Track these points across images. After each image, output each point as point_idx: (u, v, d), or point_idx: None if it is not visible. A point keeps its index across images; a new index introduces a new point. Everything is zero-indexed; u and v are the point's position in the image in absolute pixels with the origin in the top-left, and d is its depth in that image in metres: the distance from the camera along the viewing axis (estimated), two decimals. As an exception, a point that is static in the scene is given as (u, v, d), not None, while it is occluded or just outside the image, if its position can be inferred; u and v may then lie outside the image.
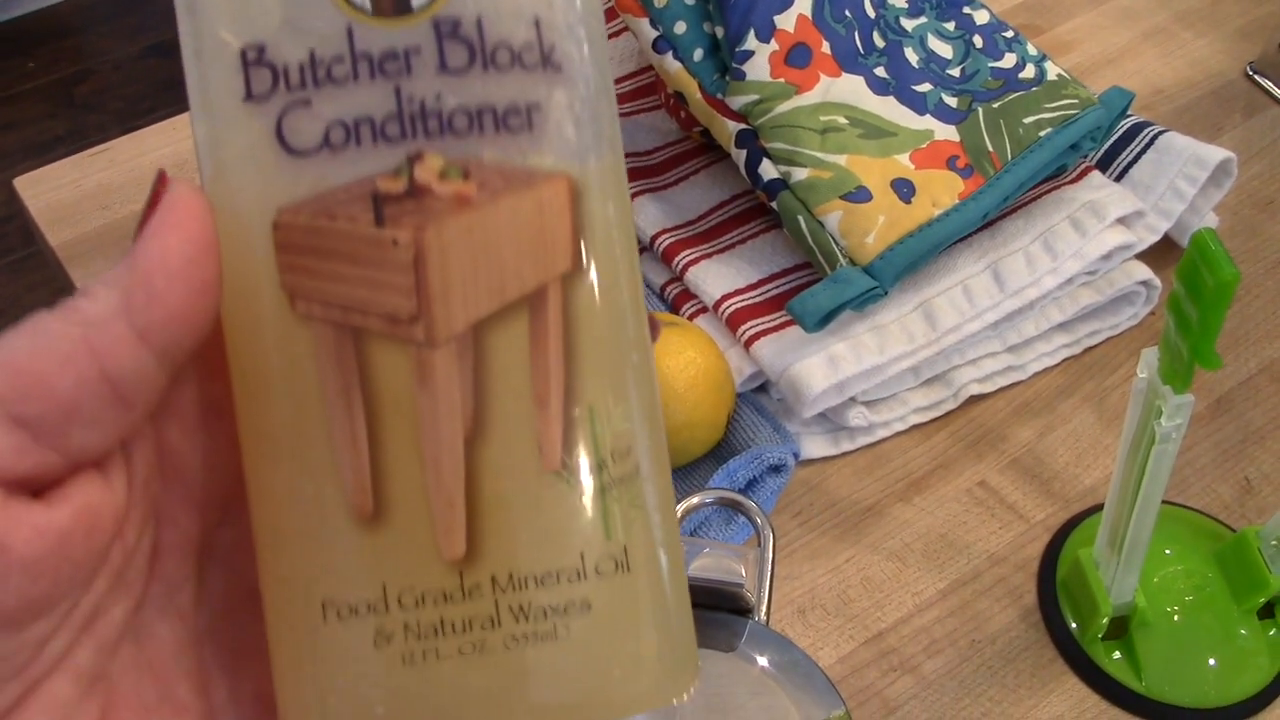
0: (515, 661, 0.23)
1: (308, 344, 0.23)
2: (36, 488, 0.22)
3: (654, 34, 0.61)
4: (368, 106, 0.23)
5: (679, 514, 0.48)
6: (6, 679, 0.22)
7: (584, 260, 0.24)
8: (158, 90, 1.98)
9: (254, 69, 0.23)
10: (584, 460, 0.23)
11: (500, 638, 0.22)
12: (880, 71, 0.61)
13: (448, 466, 0.23)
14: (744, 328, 0.59)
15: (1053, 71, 0.63)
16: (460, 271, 0.23)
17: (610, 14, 0.72)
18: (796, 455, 0.57)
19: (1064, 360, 0.64)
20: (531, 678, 0.23)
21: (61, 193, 0.70)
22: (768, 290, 0.60)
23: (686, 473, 0.58)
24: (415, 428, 0.23)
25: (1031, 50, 0.64)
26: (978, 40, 0.64)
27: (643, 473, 0.24)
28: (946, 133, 0.60)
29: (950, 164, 0.59)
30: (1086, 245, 0.61)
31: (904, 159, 0.58)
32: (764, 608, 0.46)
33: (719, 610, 0.46)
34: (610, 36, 0.72)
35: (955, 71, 0.62)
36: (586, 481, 0.23)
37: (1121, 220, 0.62)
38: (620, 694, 0.23)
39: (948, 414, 0.62)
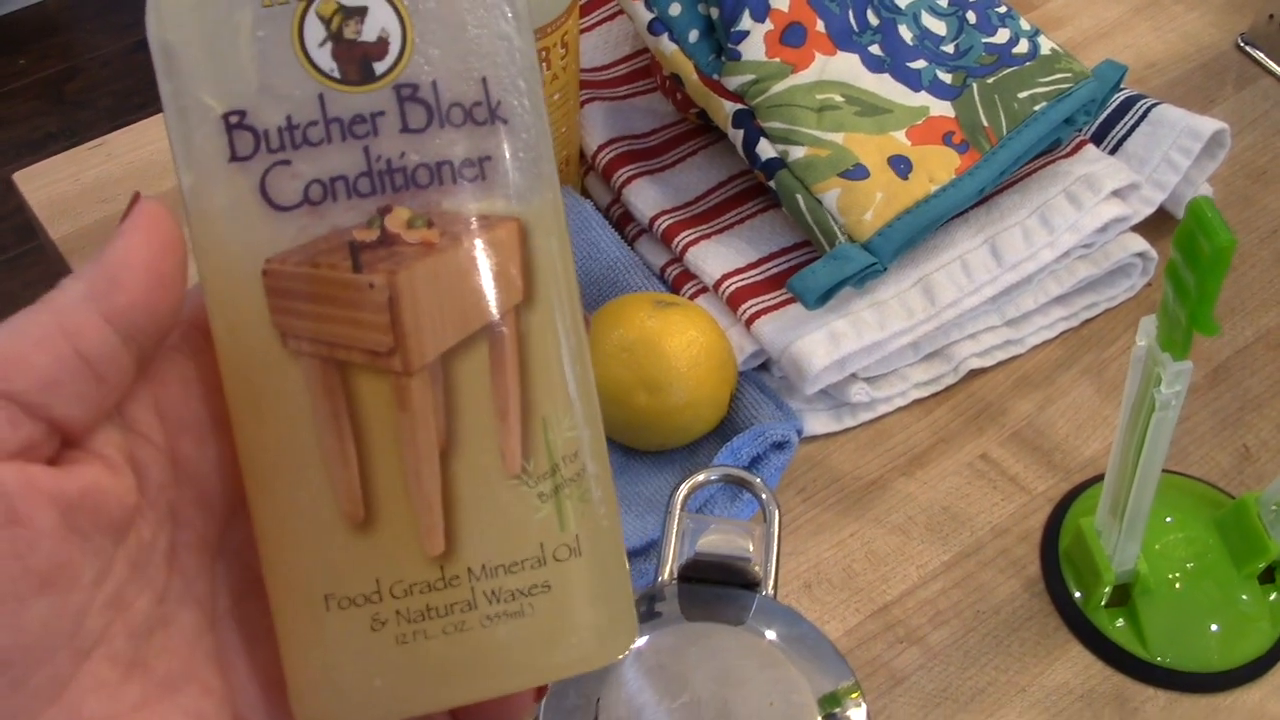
0: (490, 637, 0.27)
1: (299, 377, 0.26)
2: (39, 460, 0.24)
3: (649, 16, 0.61)
4: (341, 165, 0.26)
5: (686, 491, 0.49)
6: (56, 647, 0.24)
7: (533, 291, 0.27)
8: (148, 86, 1.97)
9: (236, 132, 0.26)
10: (540, 465, 0.27)
11: (477, 618, 0.26)
12: (875, 49, 0.61)
13: (426, 476, 0.26)
14: (744, 306, 0.59)
15: (1046, 46, 0.63)
16: (429, 309, 0.26)
17: (605, -3, 0.73)
18: (800, 432, 0.58)
19: (1062, 333, 0.65)
20: (503, 649, 0.27)
21: (61, 186, 0.70)
22: (767, 269, 0.61)
23: (691, 451, 0.59)
24: (396, 444, 0.26)
25: (1024, 25, 0.64)
26: (971, 16, 0.64)
27: (588, 471, 0.28)
28: (942, 109, 0.60)
29: (946, 140, 0.59)
30: (1082, 218, 0.61)
31: (900, 136, 0.59)
32: (771, 582, 0.47)
33: (727, 585, 0.46)
34: (605, 20, 0.73)
35: (949, 48, 0.63)
36: (543, 483, 0.27)
37: (1116, 193, 0.63)
38: (574, 655, 0.28)
39: (948, 388, 0.62)
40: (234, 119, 0.26)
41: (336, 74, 0.26)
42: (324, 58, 0.26)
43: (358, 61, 0.26)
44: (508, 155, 0.27)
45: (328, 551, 0.26)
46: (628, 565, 0.30)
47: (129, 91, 1.97)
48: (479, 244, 0.26)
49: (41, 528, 0.23)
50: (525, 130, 0.27)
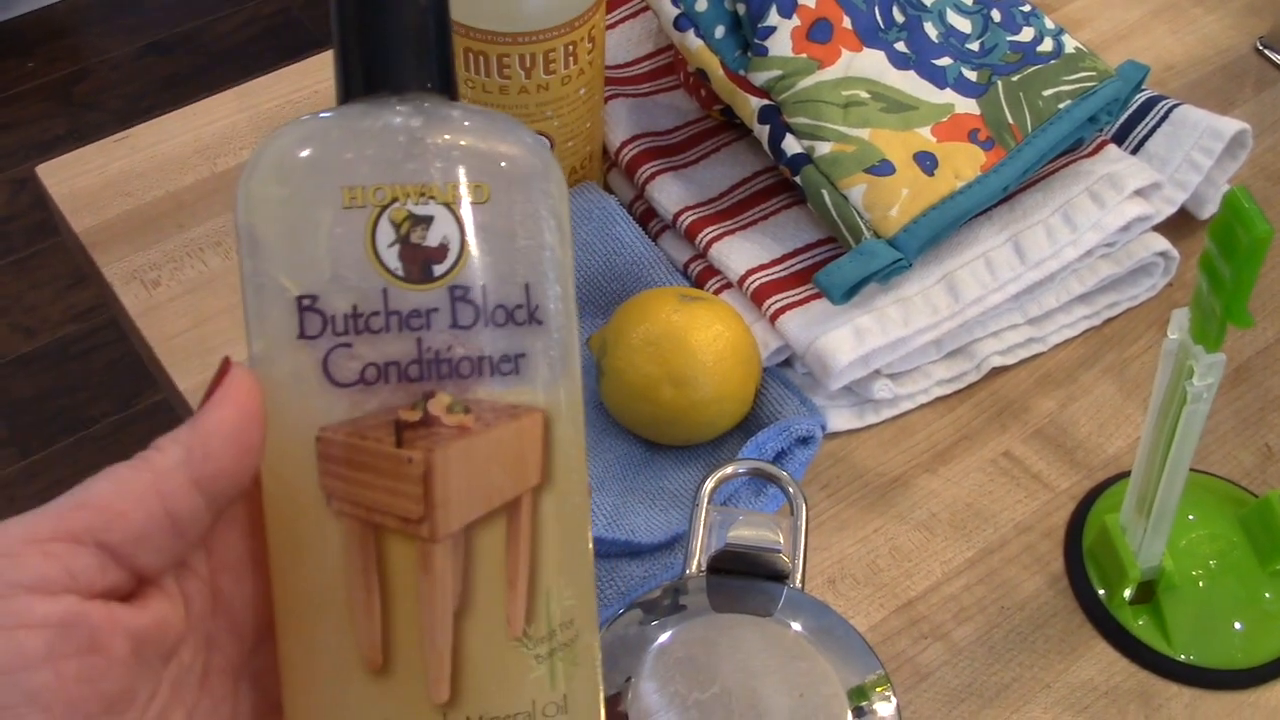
0: None
1: (338, 534, 0.29)
2: (116, 599, 0.27)
3: (675, 11, 0.61)
4: (395, 352, 0.29)
5: (713, 484, 0.49)
6: None
7: (550, 475, 0.30)
8: (156, 88, 1.98)
9: (307, 314, 0.29)
10: (539, 629, 0.30)
11: None
12: (900, 46, 0.61)
13: (440, 633, 0.29)
14: (769, 302, 0.59)
15: (1070, 45, 0.63)
16: (458, 485, 0.29)
17: (629, -6, 0.73)
18: (824, 427, 0.58)
19: (1084, 331, 0.65)
20: None
21: (84, 180, 0.70)
22: (792, 265, 0.61)
23: (715, 446, 0.59)
24: (417, 602, 0.29)
25: (1049, 24, 0.64)
26: (996, 14, 0.64)
27: (580, 637, 0.31)
28: (967, 106, 0.60)
29: (971, 137, 0.59)
30: (1105, 217, 0.61)
31: (926, 132, 0.59)
32: (799, 574, 0.47)
33: (755, 577, 0.46)
34: (629, 17, 0.73)
35: (974, 45, 0.63)
36: (540, 646, 0.30)
37: (1139, 192, 0.63)
38: None
39: (971, 385, 0.62)
40: (306, 302, 0.29)
41: (400, 273, 0.29)
42: (391, 257, 0.29)
43: (420, 263, 0.29)
44: (540, 353, 0.30)
45: (346, 691, 0.29)
46: (603, 716, 0.33)
47: (137, 94, 1.97)
48: (507, 431, 0.29)
49: (116, 657, 0.26)
50: (557, 329, 0.31)
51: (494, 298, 0.29)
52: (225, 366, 0.29)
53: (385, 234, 0.29)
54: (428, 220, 0.29)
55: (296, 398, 0.29)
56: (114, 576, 0.27)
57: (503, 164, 0.30)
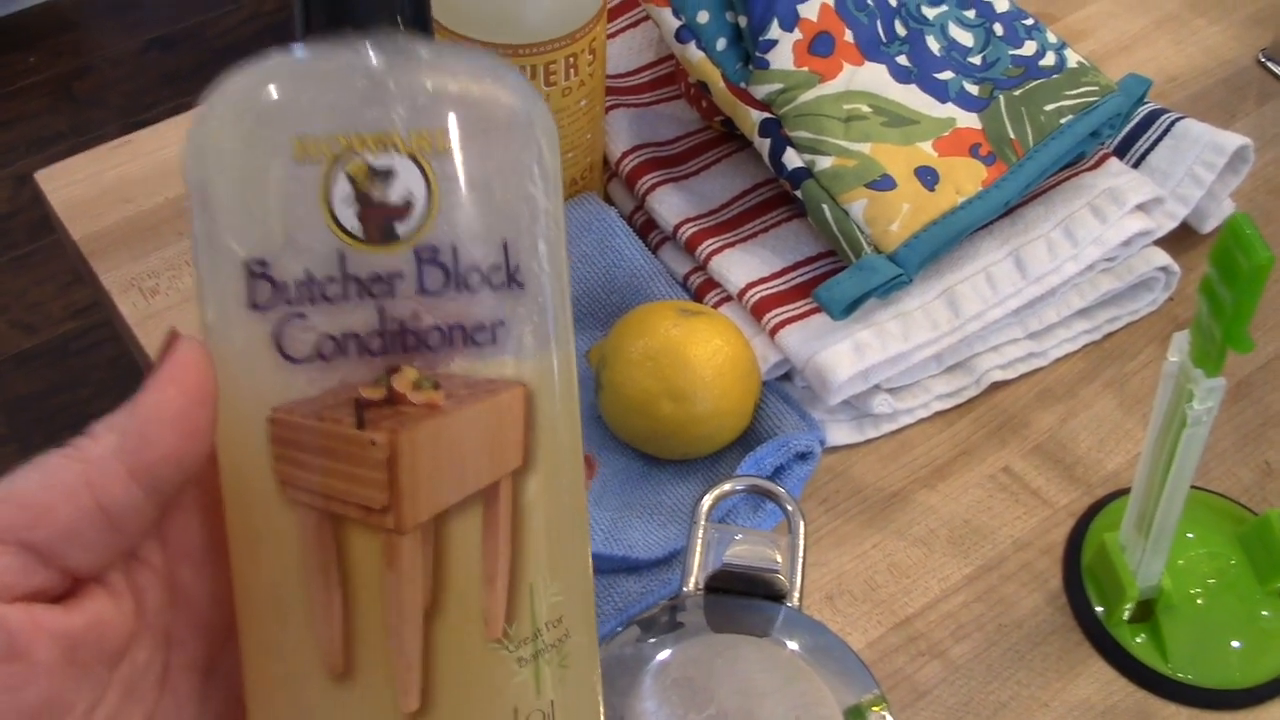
0: None
1: (294, 525, 0.26)
2: (47, 600, 0.25)
3: (676, 23, 0.61)
4: (354, 323, 0.26)
5: (710, 501, 0.48)
6: None
7: (533, 458, 0.28)
8: (159, 85, 1.98)
9: (257, 281, 0.26)
10: (523, 630, 0.27)
11: None
12: (902, 60, 0.61)
13: (408, 635, 0.27)
14: (769, 316, 0.59)
15: (1073, 59, 0.63)
16: (427, 470, 0.26)
17: (630, 3, 0.73)
18: (823, 442, 0.58)
19: (1085, 346, 0.65)
20: None
21: (81, 187, 0.69)
22: (792, 279, 0.61)
23: (714, 461, 0.59)
24: (382, 601, 0.26)
25: (1051, 38, 0.64)
26: (998, 28, 0.64)
27: (571, 636, 0.28)
28: (969, 120, 0.60)
29: (973, 152, 0.59)
30: (1107, 231, 0.61)
31: (927, 147, 0.59)
32: (796, 593, 0.47)
33: (753, 596, 0.46)
34: (630, 26, 0.73)
35: (976, 59, 0.63)
36: (523, 647, 0.27)
37: (1140, 207, 0.63)
38: None
39: (970, 400, 0.62)
40: (256, 267, 0.26)
41: (359, 233, 0.26)
42: (349, 216, 0.26)
43: (381, 222, 0.26)
44: (521, 319, 0.27)
45: (305, 698, 0.27)
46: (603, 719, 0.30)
47: (139, 91, 1.97)
48: (482, 409, 0.27)
49: (40, 663, 0.24)
50: (541, 292, 0.28)
51: (467, 258, 0.26)
52: (172, 339, 0.27)
53: (341, 190, 0.26)
54: (388, 173, 0.26)
55: (247, 374, 0.26)
56: (41, 578, 0.25)
57: (477, 107, 0.27)
